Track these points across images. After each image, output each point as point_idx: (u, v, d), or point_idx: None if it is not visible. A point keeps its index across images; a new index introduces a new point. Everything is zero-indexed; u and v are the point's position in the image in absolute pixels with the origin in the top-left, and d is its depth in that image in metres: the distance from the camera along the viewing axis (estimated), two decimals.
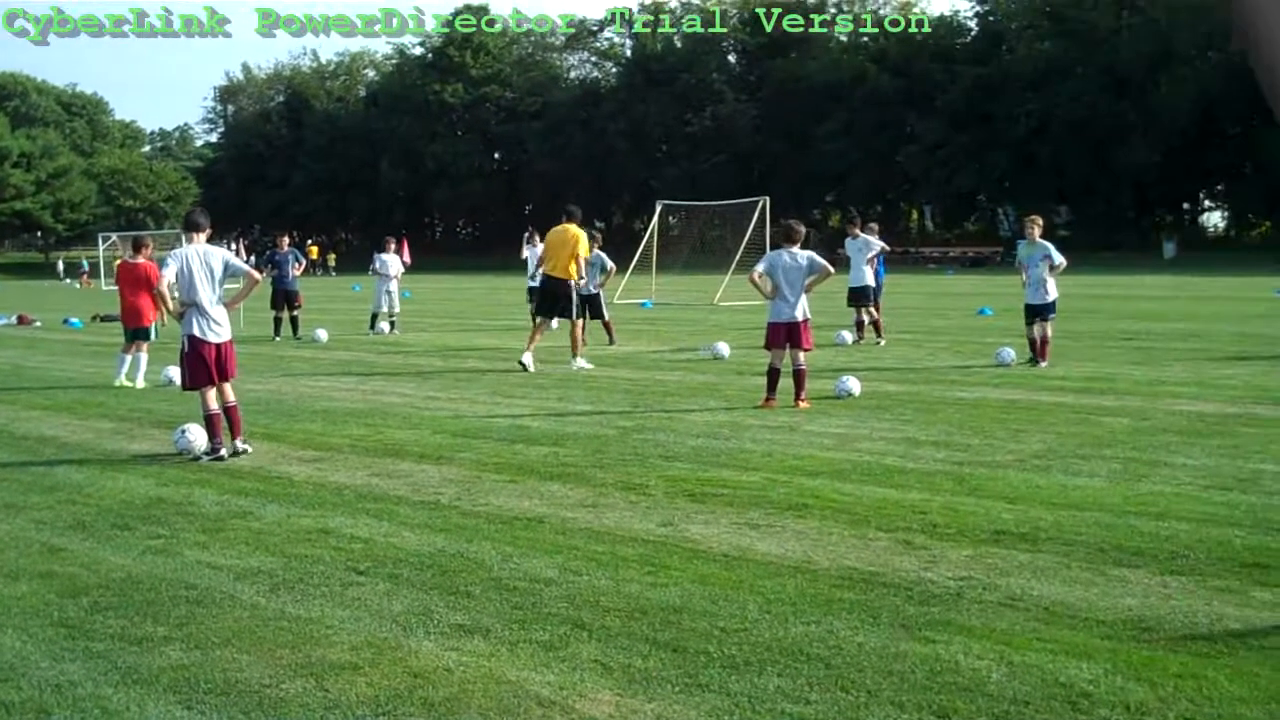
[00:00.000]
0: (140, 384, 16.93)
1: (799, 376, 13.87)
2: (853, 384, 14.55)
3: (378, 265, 27.24)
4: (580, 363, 18.49)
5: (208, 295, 11.18)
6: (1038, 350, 17.53)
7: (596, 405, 14.33)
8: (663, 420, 12.94)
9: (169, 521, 8.59)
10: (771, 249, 15.04)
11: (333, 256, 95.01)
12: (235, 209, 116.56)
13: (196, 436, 11.26)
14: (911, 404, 13.82)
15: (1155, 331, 23.44)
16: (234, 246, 61.49)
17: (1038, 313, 17.57)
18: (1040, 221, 18.10)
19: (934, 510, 8.39)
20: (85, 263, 69.19)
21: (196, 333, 11.16)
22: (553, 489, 9.48)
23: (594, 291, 22.11)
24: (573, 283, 18.47)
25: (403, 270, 27.85)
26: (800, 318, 13.78)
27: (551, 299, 18.65)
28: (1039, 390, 14.85)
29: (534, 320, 27.07)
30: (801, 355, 13.95)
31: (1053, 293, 17.54)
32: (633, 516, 8.46)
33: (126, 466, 10.92)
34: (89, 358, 22.12)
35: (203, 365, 11.17)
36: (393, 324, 27.13)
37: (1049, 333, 17.66)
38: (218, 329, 11.24)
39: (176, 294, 11.32)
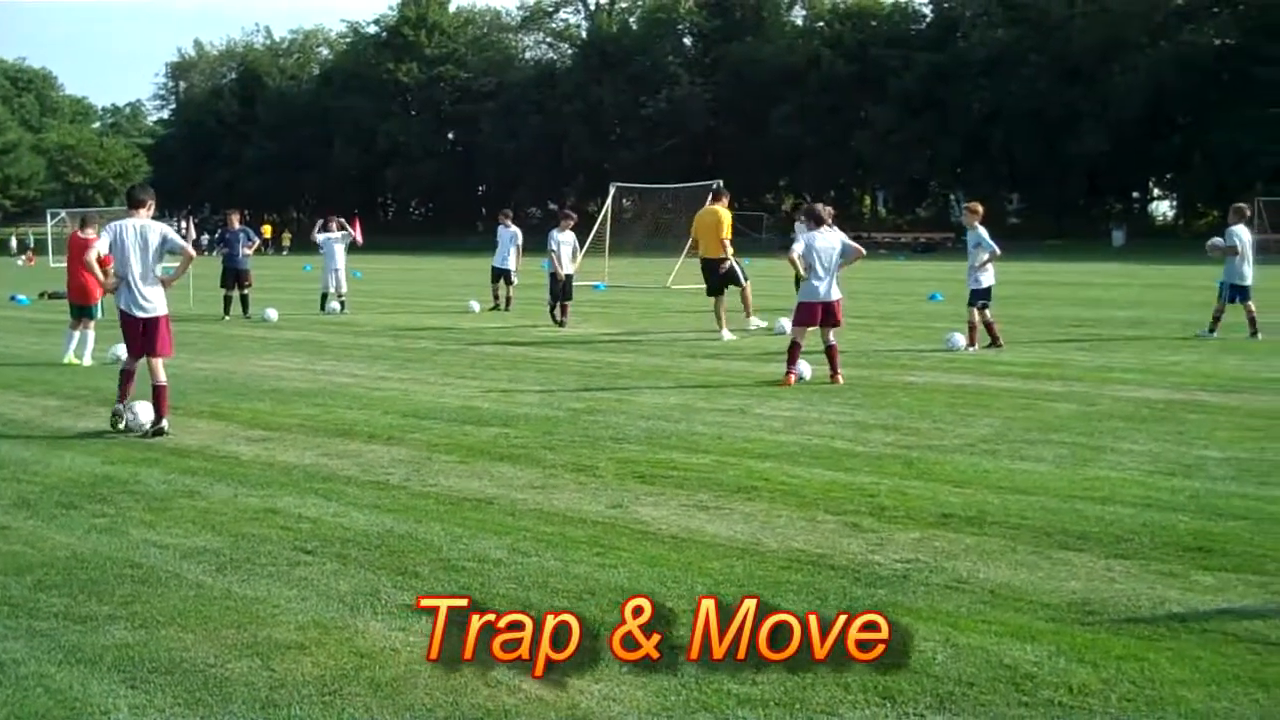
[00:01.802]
0: (87, 361, 16.77)
1: (832, 353, 14.37)
2: (804, 367, 14.60)
3: (320, 244, 27.39)
4: (756, 320, 20.56)
5: (138, 270, 11.10)
6: (988, 333, 17.60)
7: (547, 386, 14.31)
8: (613, 402, 12.94)
9: (115, 500, 8.52)
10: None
11: (287, 236, 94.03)
12: (186, 186, 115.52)
13: (142, 412, 11.19)
14: (861, 388, 13.88)
15: (1103, 318, 23.64)
16: (183, 225, 60.79)
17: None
18: (979, 209, 18.03)
19: (882, 493, 8.44)
20: (32, 238, 68.08)
21: (123, 306, 11.22)
22: (502, 470, 9.46)
23: (571, 272, 22.66)
24: (724, 260, 20.07)
25: (345, 243, 27.59)
26: (835, 297, 14.33)
27: (711, 277, 20.36)
28: (987, 375, 14.95)
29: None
30: (833, 333, 14.44)
31: (984, 280, 17.52)
32: (582, 498, 8.47)
33: (73, 444, 10.81)
34: (35, 335, 21.87)
35: (129, 338, 11.28)
36: (342, 304, 26.99)
37: (975, 319, 17.58)
38: (145, 305, 11.18)
39: (112, 267, 11.31)
